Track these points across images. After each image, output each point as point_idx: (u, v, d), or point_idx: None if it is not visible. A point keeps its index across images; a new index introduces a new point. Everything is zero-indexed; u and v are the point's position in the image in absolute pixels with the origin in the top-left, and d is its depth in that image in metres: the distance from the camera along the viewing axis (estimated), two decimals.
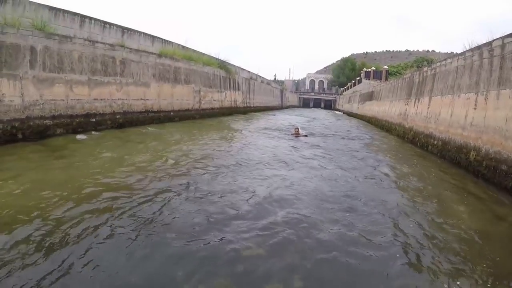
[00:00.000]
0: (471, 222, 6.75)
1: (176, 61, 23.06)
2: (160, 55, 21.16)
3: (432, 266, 4.94)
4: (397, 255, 5.15)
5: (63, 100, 13.12)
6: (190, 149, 12.03)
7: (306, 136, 19.35)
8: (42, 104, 12.22)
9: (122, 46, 17.40)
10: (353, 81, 73.69)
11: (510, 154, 8.97)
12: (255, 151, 12.90)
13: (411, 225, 6.49)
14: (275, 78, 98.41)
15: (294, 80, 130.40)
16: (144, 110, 18.87)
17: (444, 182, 10.10)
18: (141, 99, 18.63)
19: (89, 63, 14.64)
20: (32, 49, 12.04)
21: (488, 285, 4.51)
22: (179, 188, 7.43)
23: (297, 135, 19.14)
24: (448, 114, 14.17)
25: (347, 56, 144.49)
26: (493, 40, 10.90)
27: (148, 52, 19.99)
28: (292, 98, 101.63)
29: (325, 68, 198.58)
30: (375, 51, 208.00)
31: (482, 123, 10.99)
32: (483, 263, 5.05)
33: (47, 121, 12.33)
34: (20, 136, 11.24)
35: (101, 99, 15.26)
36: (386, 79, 47.97)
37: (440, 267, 4.90)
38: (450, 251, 5.43)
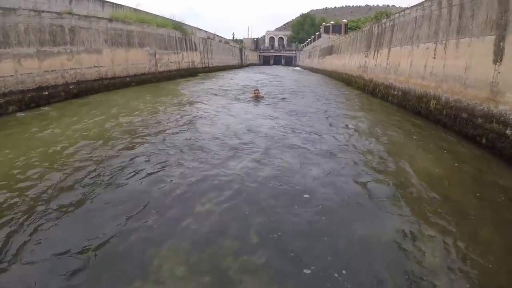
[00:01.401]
0: (433, 166, 6.98)
1: (128, 25, 21.98)
2: (111, 20, 20.08)
3: (393, 208, 5.10)
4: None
5: (12, 75, 12.19)
6: (125, 121, 10.90)
7: (263, 97, 17.16)
8: None
9: (70, 13, 16.32)
10: (313, 37, 73.39)
11: (470, 102, 9.09)
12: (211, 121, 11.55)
13: (369, 171, 6.71)
14: (233, 38, 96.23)
15: (254, 39, 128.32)
16: (98, 78, 18.04)
17: (404, 131, 10.32)
18: (94, 66, 17.78)
19: (36, 35, 13.58)
20: None
21: (450, 223, 4.67)
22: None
23: (256, 97, 16.89)
24: (408, 65, 14.25)
25: (306, 12, 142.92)
26: None
27: (98, 17, 18.92)
28: (252, 57, 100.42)
29: (284, 25, 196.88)
30: (335, 7, 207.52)
31: (441, 72, 11.08)
32: (444, 204, 5.24)
33: None
34: None
35: (52, 71, 14.39)
36: (346, 33, 47.83)
37: (403, 209, 5.06)
38: (409, 194, 5.63)
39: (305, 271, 3.54)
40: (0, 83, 11.71)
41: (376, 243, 4.11)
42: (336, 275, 3.48)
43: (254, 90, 17.97)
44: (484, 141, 8.21)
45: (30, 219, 4.55)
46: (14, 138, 8.83)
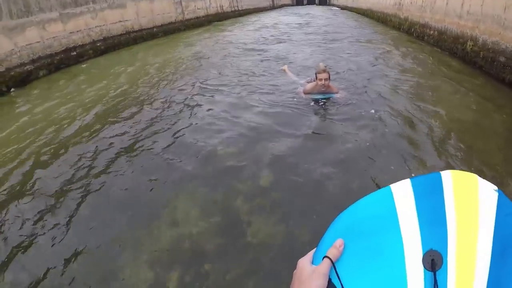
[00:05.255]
0: (465, 111, 6.84)
1: None
2: None
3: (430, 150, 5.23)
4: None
5: (38, 42, 12.38)
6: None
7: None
8: (19, 51, 11.56)
9: None
10: None
11: (509, 45, 8.45)
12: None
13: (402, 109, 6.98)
14: None
15: None
16: (124, 32, 18.06)
17: (440, 71, 10.03)
18: (119, 21, 17.69)
19: None
20: None
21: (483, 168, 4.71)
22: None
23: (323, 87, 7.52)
24: (444, 2, 13.36)
25: None
26: None
27: None
28: None
29: None
30: None
31: (479, 11, 10.30)
32: (479, 148, 5.26)
33: (27, 66, 11.75)
34: (4, 88, 10.79)
35: (78, 31, 14.45)
36: None
37: (439, 150, 5.17)
38: (445, 136, 5.64)
39: None
40: (28, 51, 11.86)
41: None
42: None
43: (318, 71, 7.10)
44: None
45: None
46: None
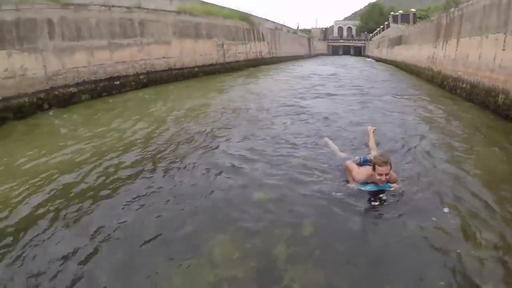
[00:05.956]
0: (496, 162, 6.82)
1: (195, 17, 22.79)
2: (179, 12, 20.95)
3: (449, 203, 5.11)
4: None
5: (85, 66, 13.36)
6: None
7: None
8: (65, 73, 12.51)
9: (139, 7, 17.27)
10: (382, 26, 71.33)
11: None
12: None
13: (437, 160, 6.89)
14: (297, 27, 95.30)
15: (322, 28, 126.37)
16: (167, 68, 19.02)
17: (473, 124, 10.04)
18: (163, 57, 18.70)
19: (107, 28, 14.69)
20: (49, 21, 12.19)
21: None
22: None
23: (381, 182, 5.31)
24: (476, 56, 13.64)
25: (375, 1, 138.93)
26: None
27: (166, 10, 19.80)
28: (321, 46, 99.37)
29: (353, 14, 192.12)
30: None
31: (510, 65, 10.55)
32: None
33: (71, 88, 12.67)
34: (46, 106, 11.57)
35: (123, 62, 15.42)
36: (414, 22, 46.15)
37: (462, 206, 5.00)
38: (472, 190, 5.52)
39: None
40: (74, 74, 12.74)
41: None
42: None
43: (377, 163, 5.19)
44: None
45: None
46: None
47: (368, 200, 5.18)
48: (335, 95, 15.81)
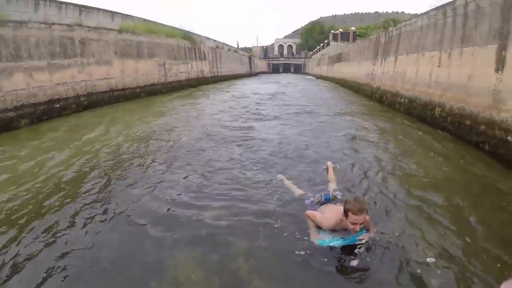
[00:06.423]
0: (437, 170, 7.32)
1: (137, 36, 22.35)
2: (120, 31, 20.43)
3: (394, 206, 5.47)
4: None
5: (24, 89, 12.53)
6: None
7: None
8: (3, 96, 11.69)
9: (80, 25, 16.74)
10: (322, 44, 73.50)
11: (473, 109, 9.20)
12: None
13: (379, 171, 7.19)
14: (237, 45, 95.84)
15: (263, 47, 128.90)
16: (109, 89, 18.35)
17: (411, 136, 10.64)
18: (105, 78, 18.09)
19: (47, 47, 13.96)
20: None
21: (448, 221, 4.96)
22: None
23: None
24: (414, 73, 14.34)
25: (315, 19, 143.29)
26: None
27: (108, 28, 19.31)
28: (261, 65, 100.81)
29: (293, 32, 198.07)
30: (344, 14, 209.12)
31: (446, 81, 11.22)
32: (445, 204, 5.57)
33: (10, 113, 11.82)
34: None
35: (63, 83, 14.71)
36: (354, 40, 47.98)
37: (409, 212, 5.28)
38: (412, 194, 5.97)
39: None
40: (12, 97, 12.01)
41: None
42: None
43: (351, 210, 3.96)
44: (486, 147, 8.31)
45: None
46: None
47: (339, 260, 4.08)
48: (280, 117, 14.91)
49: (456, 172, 7.23)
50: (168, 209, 5.46)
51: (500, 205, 5.53)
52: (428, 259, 4.00)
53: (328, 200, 4.99)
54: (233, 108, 17.85)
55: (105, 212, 5.40)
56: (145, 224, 4.96)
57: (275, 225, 4.83)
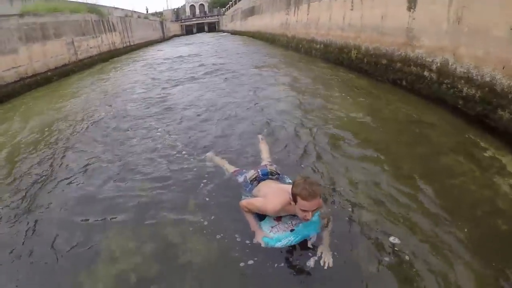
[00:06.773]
0: (361, 107, 7.91)
1: (41, 17, 20.67)
2: (22, 15, 18.86)
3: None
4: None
5: None
6: None
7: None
8: None
9: None
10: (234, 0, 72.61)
11: (388, 48, 9.65)
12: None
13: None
14: (147, 11, 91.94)
15: (174, 9, 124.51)
16: (18, 79, 17.10)
17: (330, 79, 11.30)
18: (13, 67, 16.87)
19: None
20: None
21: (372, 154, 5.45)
22: None
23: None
24: (327, 18, 14.67)
25: None
26: None
27: (8, 15, 17.88)
28: (174, 28, 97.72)
29: None
30: None
31: (359, 23, 11.58)
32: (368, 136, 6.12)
33: None
34: None
35: None
36: None
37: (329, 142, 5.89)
38: (336, 129, 6.57)
39: None
40: None
41: None
42: None
43: (301, 195, 3.00)
44: (404, 83, 8.86)
45: None
46: None
47: (287, 261, 3.39)
48: (199, 79, 14.26)
49: (373, 109, 7.75)
50: (92, 196, 5.09)
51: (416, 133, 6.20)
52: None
53: (267, 175, 4.09)
54: (148, 77, 16.72)
55: (25, 211, 4.88)
56: (68, 215, 4.70)
57: (206, 226, 4.05)
